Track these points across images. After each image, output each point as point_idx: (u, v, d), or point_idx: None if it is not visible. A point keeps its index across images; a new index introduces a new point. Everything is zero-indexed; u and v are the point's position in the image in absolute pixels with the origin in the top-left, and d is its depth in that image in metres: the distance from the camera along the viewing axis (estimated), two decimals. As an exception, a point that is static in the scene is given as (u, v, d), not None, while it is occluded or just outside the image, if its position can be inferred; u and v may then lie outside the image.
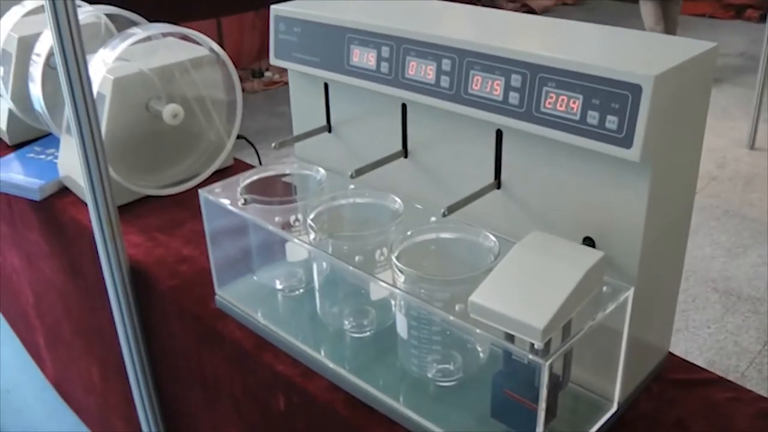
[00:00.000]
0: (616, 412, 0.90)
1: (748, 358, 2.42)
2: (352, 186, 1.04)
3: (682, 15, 6.57)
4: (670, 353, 1.04)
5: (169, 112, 1.42)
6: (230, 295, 1.15)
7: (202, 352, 1.24)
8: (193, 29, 1.53)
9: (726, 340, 2.50)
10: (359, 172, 0.96)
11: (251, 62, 5.25)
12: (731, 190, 3.52)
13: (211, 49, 1.51)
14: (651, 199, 0.79)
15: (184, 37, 1.53)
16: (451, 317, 0.78)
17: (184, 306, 1.23)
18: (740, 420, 0.93)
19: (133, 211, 1.49)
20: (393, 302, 0.96)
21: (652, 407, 0.94)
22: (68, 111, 1.21)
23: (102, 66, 1.37)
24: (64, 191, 1.58)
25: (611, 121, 0.76)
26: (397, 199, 0.99)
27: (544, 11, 7.01)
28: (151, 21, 1.60)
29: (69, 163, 1.52)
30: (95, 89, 1.38)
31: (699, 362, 1.03)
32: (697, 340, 2.49)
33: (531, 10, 6.96)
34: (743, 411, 0.94)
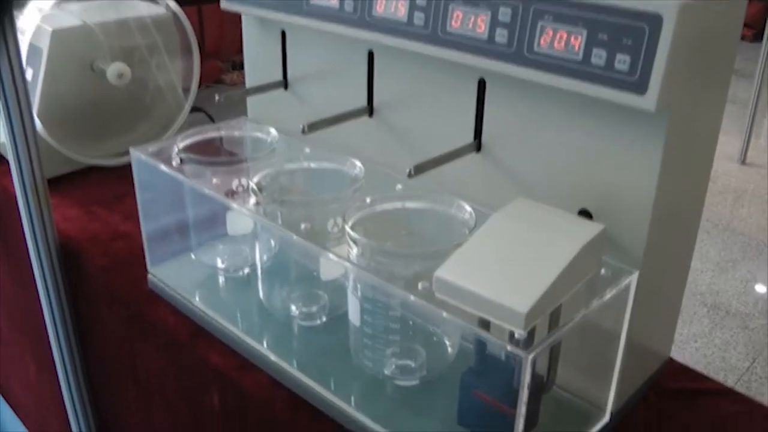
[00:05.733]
0: (608, 423, 0.75)
1: (735, 375, 2.29)
2: (307, 149, 0.89)
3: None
4: (671, 359, 0.89)
5: (114, 71, 1.27)
6: (165, 274, 0.99)
7: (133, 341, 1.09)
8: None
9: (713, 356, 2.37)
10: (313, 127, 0.81)
11: (232, 54, 5.10)
12: (721, 203, 3.41)
13: (168, 7, 1.35)
14: (665, 163, 0.65)
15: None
16: (412, 297, 0.62)
17: (114, 288, 1.08)
18: (751, 438, 0.79)
19: (72, 182, 1.35)
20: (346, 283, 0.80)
21: (649, 420, 0.81)
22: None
23: (37, 13, 1.22)
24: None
25: (622, 61, 0.61)
26: (357, 163, 0.83)
27: None
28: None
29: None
30: (27, 40, 1.23)
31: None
32: (683, 354, 2.36)
33: None
34: (754, 427, 0.81)
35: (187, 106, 1.41)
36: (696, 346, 2.42)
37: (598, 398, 0.75)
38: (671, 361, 0.90)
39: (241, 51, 1.06)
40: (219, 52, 5.07)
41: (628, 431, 0.78)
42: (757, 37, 3.84)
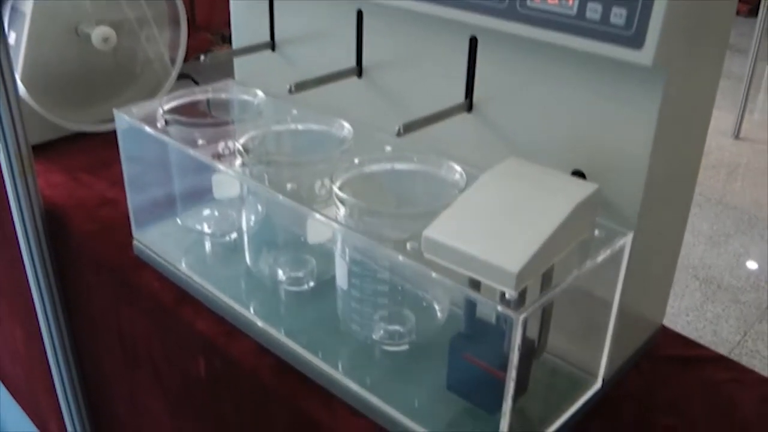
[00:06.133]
0: (600, 389, 0.74)
1: (726, 348, 2.28)
2: (295, 111, 0.87)
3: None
4: (664, 326, 0.88)
5: (99, 35, 1.24)
6: (150, 240, 0.97)
7: (119, 308, 1.07)
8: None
9: (705, 329, 2.37)
10: (300, 87, 0.78)
11: (222, 27, 5.05)
12: (714, 177, 3.40)
13: (154, -30, 1.32)
14: (661, 122, 0.63)
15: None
16: (400, 257, 0.61)
17: (100, 254, 1.06)
18: (743, 404, 0.78)
19: (58, 148, 1.32)
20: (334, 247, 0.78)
21: (642, 386, 0.79)
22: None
23: (19, -25, 1.19)
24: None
25: (617, 15, 0.59)
26: (345, 124, 0.81)
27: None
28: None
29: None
30: (9, 3, 1.20)
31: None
32: (675, 327, 2.32)
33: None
34: (746, 394, 0.80)
35: (174, 73, 1.38)
36: (688, 319, 2.41)
37: (590, 364, 0.74)
38: (663, 329, 0.89)
39: (230, 24, 1.03)
40: (209, 24, 5.02)
41: (620, 398, 0.77)
42: (752, 13, 3.82)
